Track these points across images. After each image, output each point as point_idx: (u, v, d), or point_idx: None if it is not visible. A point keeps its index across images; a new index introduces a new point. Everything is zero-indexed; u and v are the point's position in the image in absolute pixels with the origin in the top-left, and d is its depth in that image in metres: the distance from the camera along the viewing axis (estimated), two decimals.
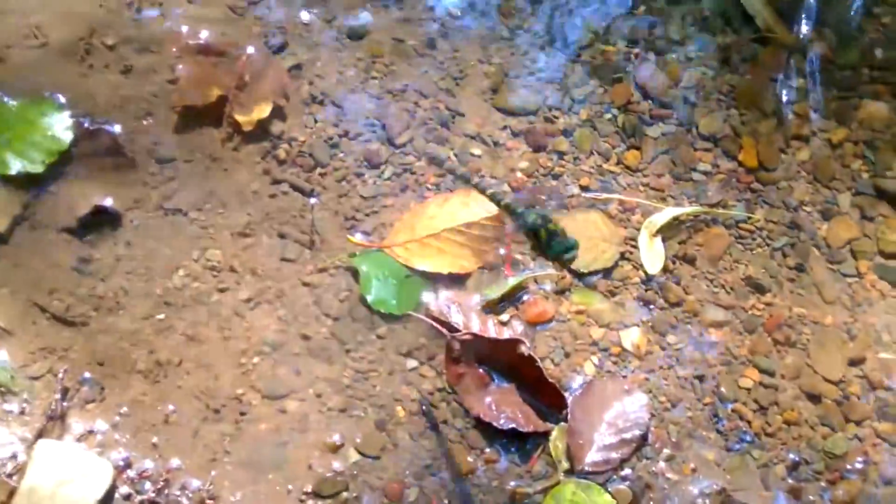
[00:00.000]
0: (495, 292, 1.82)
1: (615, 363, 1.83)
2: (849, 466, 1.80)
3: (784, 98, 2.11)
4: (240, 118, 1.91)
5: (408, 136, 1.97)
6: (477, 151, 1.97)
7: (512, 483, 1.71)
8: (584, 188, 1.97)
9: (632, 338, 1.85)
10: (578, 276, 1.88)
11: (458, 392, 1.75)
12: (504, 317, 1.82)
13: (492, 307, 1.83)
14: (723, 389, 1.84)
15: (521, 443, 1.74)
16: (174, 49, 1.96)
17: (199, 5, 2.04)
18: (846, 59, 2.16)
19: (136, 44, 1.96)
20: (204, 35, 1.98)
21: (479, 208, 1.88)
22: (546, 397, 1.74)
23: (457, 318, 1.78)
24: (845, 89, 2.15)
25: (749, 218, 1.99)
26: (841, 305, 1.95)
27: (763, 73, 2.14)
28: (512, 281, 1.84)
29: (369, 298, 1.80)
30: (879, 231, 2.02)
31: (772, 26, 2.15)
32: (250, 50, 1.97)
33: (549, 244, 1.55)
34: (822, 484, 1.79)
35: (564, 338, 1.83)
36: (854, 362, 1.90)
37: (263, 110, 1.93)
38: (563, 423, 1.75)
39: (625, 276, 1.90)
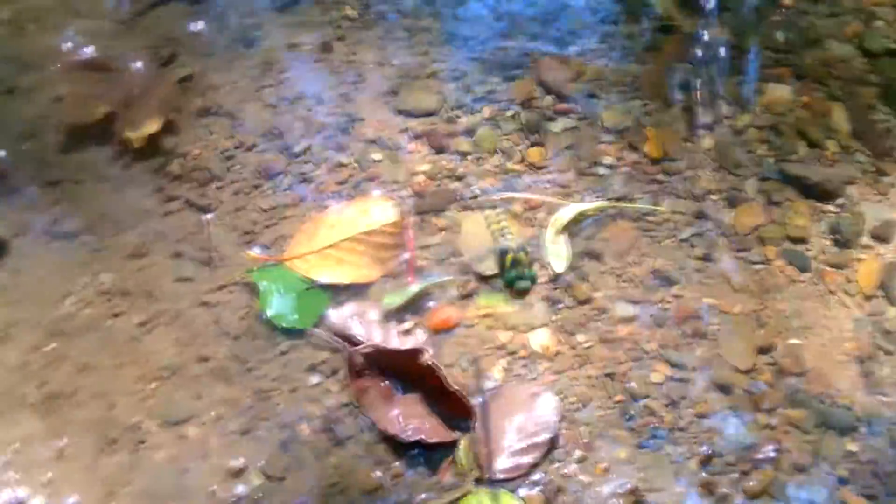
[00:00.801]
0: (398, 300, 1.79)
1: (524, 366, 1.80)
2: (761, 456, 1.79)
3: (687, 87, 2.09)
4: (129, 135, 1.86)
5: (305, 144, 1.93)
6: (377, 156, 1.93)
7: (421, 496, 1.67)
8: (487, 188, 1.93)
9: (540, 339, 1.82)
10: (483, 278, 1.84)
11: (363, 406, 1.71)
12: (407, 325, 1.78)
13: (395, 316, 1.78)
14: (633, 386, 1.81)
15: (429, 454, 1.71)
16: (58, 66, 1.89)
17: (83, 19, 1.96)
18: (748, 44, 2.14)
19: (18, 63, 1.89)
20: (89, 50, 1.92)
21: (379, 215, 1.84)
22: (452, 406, 1.71)
23: (358, 330, 1.74)
24: (748, 74, 2.13)
25: (655, 210, 1.97)
26: (749, 293, 1.94)
27: (665, 62, 2.12)
28: (415, 288, 1.80)
29: (269, 314, 1.76)
30: (786, 216, 2.02)
31: (673, 14, 2.13)
32: (138, 64, 1.91)
33: (508, 271, 1.67)
34: (735, 475, 1.77)
35: (471, 343, 1.80)
36: (764, 350, 1.88)
37: (154, 125, 1.88)
38: (471, 432, 1.71)
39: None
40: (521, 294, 1.69)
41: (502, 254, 1.64)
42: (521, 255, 1.71)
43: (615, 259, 1.92)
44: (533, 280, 1.74)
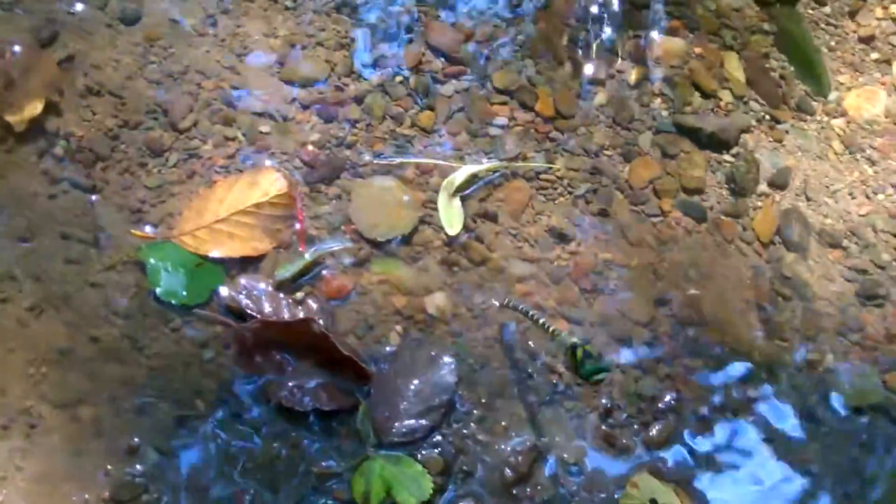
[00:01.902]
0: (289, 271, 1.78)
1: (421, 330, 1.80)
2: (662, 406, 1.80)
3: (578, 43, 2.08)
4: (10, 119, 1.82)
5: (192, 119, 1.90)
6: (265, 128, 1.92)
7: (320, 464, 1.66)
8: (378, 154, 1.92)
9: (436, 302, 1.82)
10: (377, 244, 1.83)
11: (256, 380, 1.70)
12: (300, 295, 1.77)
13: (288, 287, 1.77)
14: (531, 344, 1.81)
15: (326, 423, 1.70)
16: None
17: None
18: None
19: None
20: None
21: (269, 187, 1.82)
22: (348, 373, 1.71)
23: (250, 304, 1.73)
24: (640, 28, 2.13)
25: (549, 168, 1.97)
26: (646, 246, 1.95)
27: (555, 20, 2.12)
28: (307, 257, 1.79)
29: (158, 291, 1.74)
30: (681, 167, 2.03)
31: None
32: (17, 47, 1.87)
33: (583, 363, 1.61)
34: (636, 427, 1.78)
35: (366, 310, 1.79)
36: (662, 302, 1.89)
37: (36, 108, 1.84)
38: (368, 398, 1.70)
39: (426, 241, 1.86)
40: (598, 383, 1.71)
41: (573, 348, 1.64)
42: (590, 348, 1.66)
43: (510, 219, 1.91)
44: (610, 369, 1.73)
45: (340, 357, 1.68)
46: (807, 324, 1.93)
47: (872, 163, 2.10)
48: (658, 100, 2.09)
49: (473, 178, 1.91)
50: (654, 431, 1.78)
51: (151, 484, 1.63)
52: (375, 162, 1.91)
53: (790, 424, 1.82)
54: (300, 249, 1.80)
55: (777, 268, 1.98)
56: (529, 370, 1.79)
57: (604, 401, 1.79)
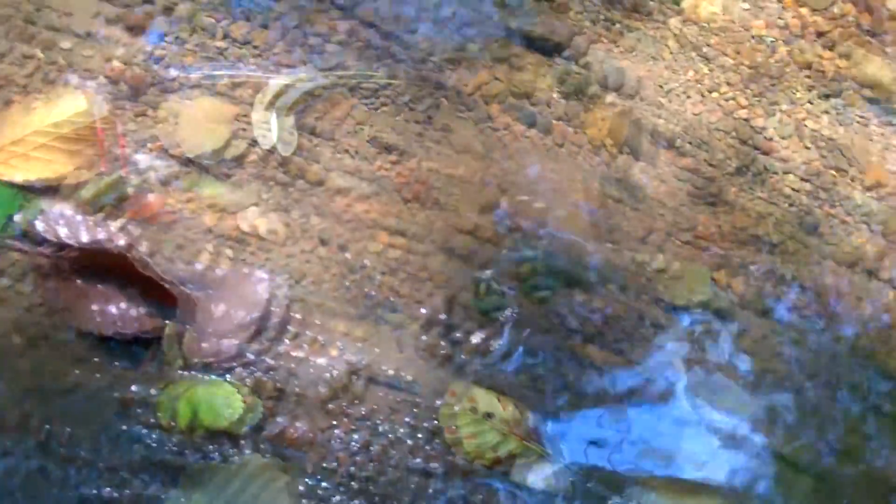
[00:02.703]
0: (90, 192, 1.70)
1: (233, 248, 1.74)
2: (485, 315, 1.77)
3: None
4: None
5: None
6: (67, 45, 1.81)
7: (125, 390, 1.61)
8: (189, 68, 1.83)
9: (250, 219, 1.76)
10: (187, 161, 1.76)
11: (57, 306, 1.63)
12: (102, 217, 1.69)
13: (90, 209, 1.69)
14: (350, 257, 1.76)
15: (131, 347, 1.64)
16: None
17: None
18: None
19: None
20: None
21: (70, 107, 1.73)
22: (154, 296, 1.65)
23: (48, 228, 1.65)
24: None
25: (371, 77, 1.90)
26: (474, 154, 1.89)
27: None
28: (110, 178, 1.71)
29: None
30: (511, 72, 1.96)
31: None
32: None
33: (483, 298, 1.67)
34: (458, 336, 1.75)
35: (175, 230, 1.72)
36: (490, 209, 1.85)
37: None
38: (175, 319, 1.64)
39: (240, 156, 1.79)
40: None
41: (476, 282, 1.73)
42: (493, 285, 1.72)
43: (330, 130, 1.85)
44: (510, 305, 1.79)
45: (145, 279, 1.62)
46: (638, 225, 1.89)
47: (708, 60, 2.06)
48: (487, 2, 2.01)
49: (290, 90, 1.83)
50: (476, 340, 1.75)
51: None
52: (185, 76, 1.82)
53: (619, 326, 1.80)
54: (103, 170, 1.72)
55: (608, 171, 1.94)
56: (348, 283, 1.74)
57: (424, 311, 1.74)
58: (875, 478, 1.90)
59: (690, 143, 2.00)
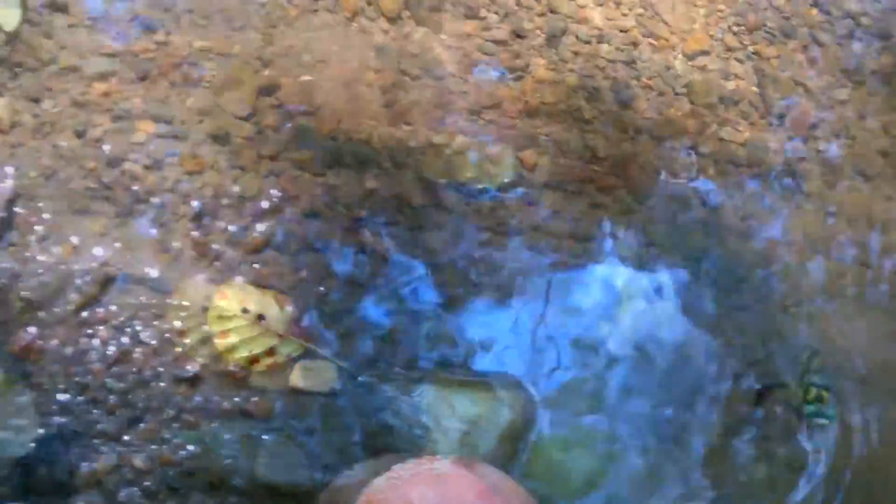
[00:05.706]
0: None
1: None
2: (264, 206, 1.63)
3: None
4: None
5: None
6: None
7: None
8: None
9: None
10: None
11: None
12: None
13: None
14: (109, 149, 1.60)
15: None
16: None
17: None
18: None
19: None
20: None
21: None
22: None
23: None
24: None
25: None
26: (252, 30, 1.72)
27: None
28: None
29: None
30: None
31: None
32: None
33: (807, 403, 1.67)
34: (232, 230, 1.60)
35: None
36: (268, 91, 1.69)
37: None
38: None
39: None
40: (816, 426, 1.72)
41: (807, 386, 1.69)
42: (825, 393, 1.69)
43: (84, 8, 1.65)
44: (832, 420, 1.72)
45: None
46: (436, 104, 1.74)
47: None
48: None
49: None
50: (255, 234, 1.60)
51: None
52: None
53: (412, 213, 1.67)
54: None
55: (404, 45, 1.78)
56: (105, 179, 1.58)
57: (195, 204, 1.59)
58: None
59: (497, 12, 1.84)
